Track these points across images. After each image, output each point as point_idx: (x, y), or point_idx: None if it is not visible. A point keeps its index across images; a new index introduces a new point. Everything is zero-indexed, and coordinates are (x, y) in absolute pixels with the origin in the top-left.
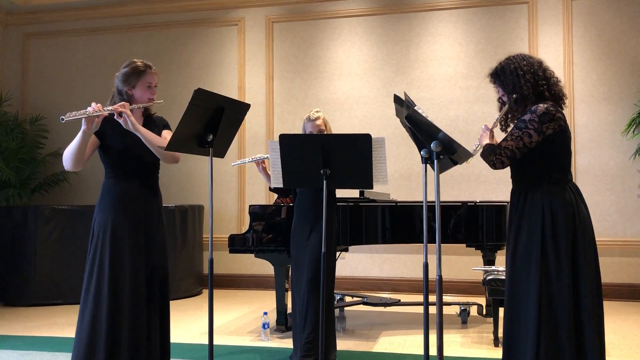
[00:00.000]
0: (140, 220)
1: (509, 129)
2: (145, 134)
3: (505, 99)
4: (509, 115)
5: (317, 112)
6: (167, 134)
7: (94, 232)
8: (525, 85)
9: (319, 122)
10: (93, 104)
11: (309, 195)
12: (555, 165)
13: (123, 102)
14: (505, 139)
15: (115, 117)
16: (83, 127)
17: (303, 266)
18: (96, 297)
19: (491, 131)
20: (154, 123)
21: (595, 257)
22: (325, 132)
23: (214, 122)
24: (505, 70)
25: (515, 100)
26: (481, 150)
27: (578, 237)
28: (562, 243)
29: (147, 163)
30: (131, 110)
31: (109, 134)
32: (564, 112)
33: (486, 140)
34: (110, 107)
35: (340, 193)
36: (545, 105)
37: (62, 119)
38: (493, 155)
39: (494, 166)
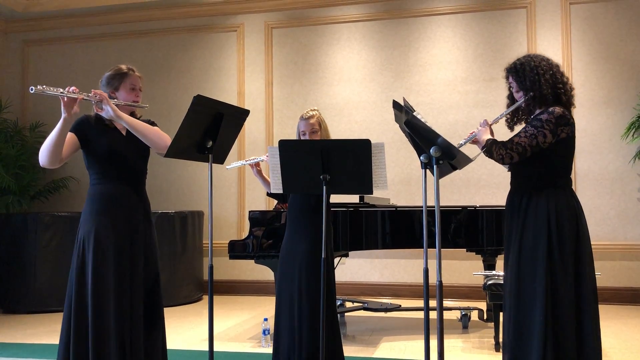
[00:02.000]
0: (125, 227)
1: (516, 127)
2: (129, 121)
3: (518, 95)
4: (517, 114)
5: (311, 110)
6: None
7: (78, 240)
8: (545, 85)
9: (312, 121)
10: (70, 88)
11: (299, 202)
12: (561, 169)
13: (101, 91)
14: (518, 135)
15: (95, 109)
16: (64, 115)
17: (289, 276)
18: (78, 307)
19: (490, 127)
20: None
21: (592, 261)
22: (318, 133)
23: (213, 128)
24: (525, 67)
25: (532, 97)
26: (483, 146)
27: (580, 240)
28: (567, 246)
29: (132, 167)
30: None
31: (93, 137)
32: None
33: (487, 136)
34: (88, 93)
35: (340, 198)
36: (562, 109)
37: (32, 89)
38: (503, 149)
39: (503, 160)
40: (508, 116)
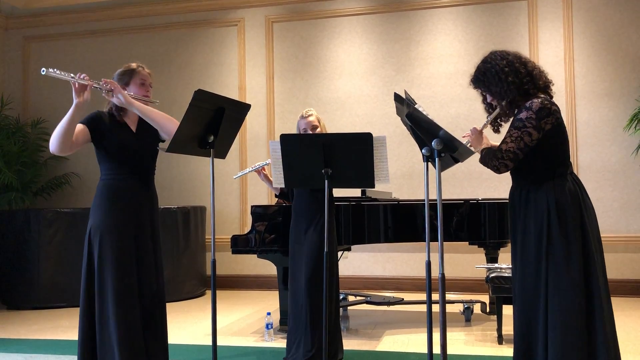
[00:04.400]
0: (132, 220)
1: (501, 129)
2: (140, 107)
3: (495, 103)
4: (499, 117)
5: (309, 110)
6: None
7: (86, 234)
8: (510, 89)
9: (311, 118)
10: (81, 75)
11: (305, 196)
12: (557, 158)
13: (112, 80)
14: (504, 141)
15: (104, 94)
16: (75, 100)
17: (301, 267)
18: (89, 299)
19: (481, 132)
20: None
21: (601, 248)
22: (318, 129)
23: (214, 123)
24: (488, 76)
25: (506, 104)
26: (479, 155)
27: (586, 227)
28: (571, 237)
29: (141, 164)
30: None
31: (104, 133)
32: (556, 102)
33: (480, 145)
34: (99, 81)
35: (342, 192)
36: (540, 100)
37: (43, 71)
38: (495, 160)
39: (498, 171)
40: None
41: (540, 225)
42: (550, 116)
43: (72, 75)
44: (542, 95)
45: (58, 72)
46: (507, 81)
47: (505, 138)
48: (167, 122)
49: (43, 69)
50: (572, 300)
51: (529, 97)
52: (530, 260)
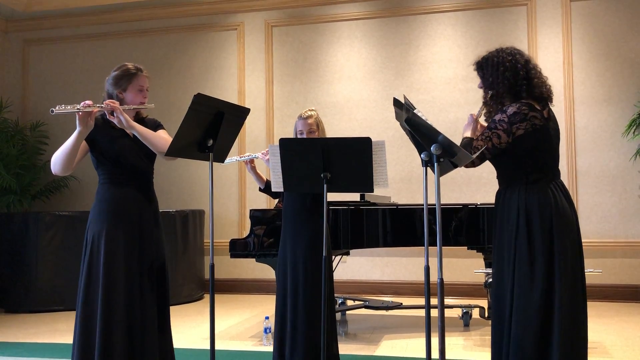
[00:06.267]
0: (134, 227)
1: None
2: (141, 130)
3: (485, 91)
4: (494, 109)
5: (310, 110)
6: (162, 133)
7: (87, 240)
8: (502, 83)
9: (310, 120)
10: (85, 102)
11: (295, 202)
12: (531, 165)
13: (113, 100)
14: (476, 139)
15: (107, 115)
16: (79, 128)
17: (293, 277)
18: (90, 305)
19: (476, 121)
20: (147, 125)
21: (580, 259)
22: (316, 133)
23: (214, 127)
24: (488, 63)
25: (490, 96)
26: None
27: (555, 237)
28: (536, 244)
29: (140, 169)
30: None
31: (101, 141)
32: (553, 110)
33: (468, 132)
34: (101, 104)
35: (341, 197)
36: (517, 105)
37: (52, 111)
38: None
39: (466, 165)
40: (490, 110)
41: (511, 230)
42: (525, 122)
43: (77, 106)
44: (525, 102)
45: (64, 107)
46: (503, 75)
47: (478, 136)
48: (163, 146)
49: (52, 109)
50: (532, 303)
51: (517, 99)
52: (504, 261)
